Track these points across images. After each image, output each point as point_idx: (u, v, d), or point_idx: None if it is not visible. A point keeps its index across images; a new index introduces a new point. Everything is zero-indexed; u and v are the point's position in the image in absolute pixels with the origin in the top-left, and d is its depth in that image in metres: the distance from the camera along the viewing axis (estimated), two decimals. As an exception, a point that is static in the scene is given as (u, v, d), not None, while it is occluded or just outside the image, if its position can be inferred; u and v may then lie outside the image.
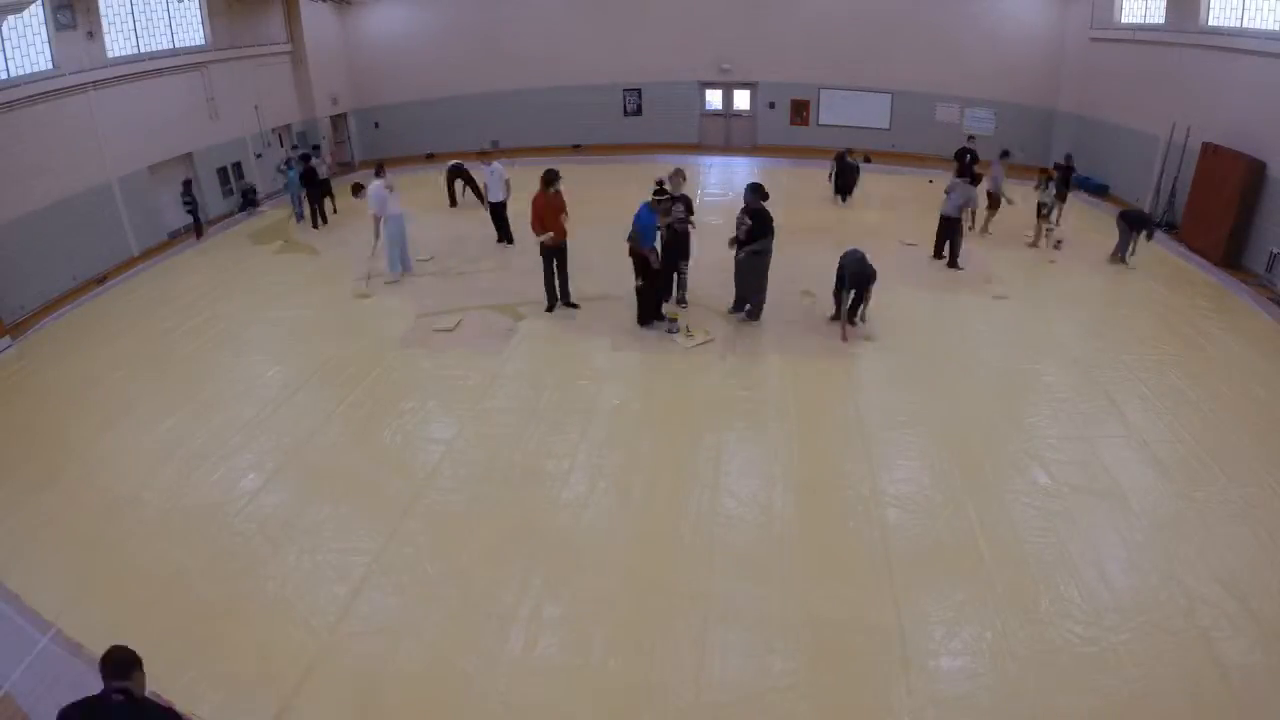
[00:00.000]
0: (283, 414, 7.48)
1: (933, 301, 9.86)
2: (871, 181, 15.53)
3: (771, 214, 8.74)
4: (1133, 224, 11.00)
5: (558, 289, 9.68)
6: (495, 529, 5.73)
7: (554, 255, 9.49)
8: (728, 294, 9.47)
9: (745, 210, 8.74)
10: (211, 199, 14.65)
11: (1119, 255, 11.17)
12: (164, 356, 8.91)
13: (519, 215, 11.33)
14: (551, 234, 9.18)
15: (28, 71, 10.58)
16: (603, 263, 10.69)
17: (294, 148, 16.55)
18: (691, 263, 9.74)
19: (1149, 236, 11.09)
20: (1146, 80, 13.42)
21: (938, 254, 11.34)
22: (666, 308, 9.36)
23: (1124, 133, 14.23)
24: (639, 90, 19.52)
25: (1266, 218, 10.46)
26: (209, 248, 13.25)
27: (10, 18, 9.91)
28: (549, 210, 9.21)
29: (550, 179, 9.26)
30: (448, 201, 15.11)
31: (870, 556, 5.32)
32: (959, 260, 11.09)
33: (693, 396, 7.57)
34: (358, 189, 12.55)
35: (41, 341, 9.66)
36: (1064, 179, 12.43)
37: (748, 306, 9.22)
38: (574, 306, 9.73)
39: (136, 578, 5.36)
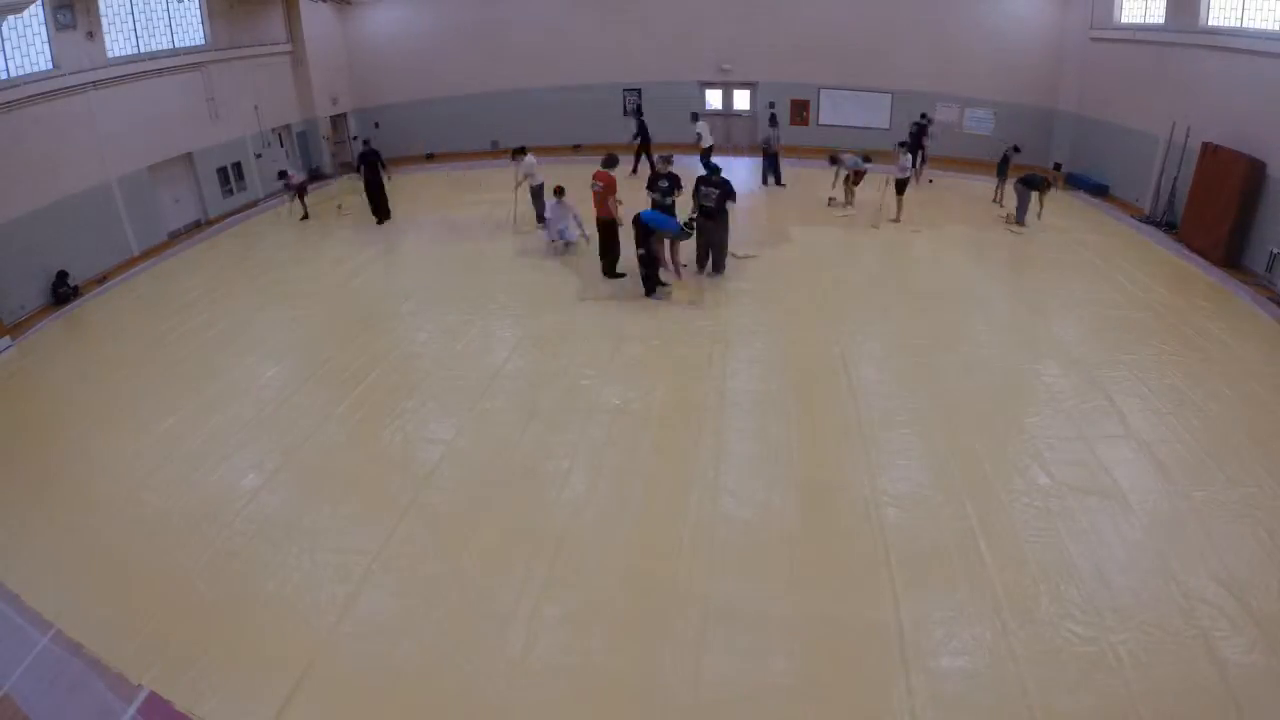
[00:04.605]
0: (283, 414, 7.48)
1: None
2: (871, 181, 15.55)
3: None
4: (1031, 186, 12.41)
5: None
6: (495, 529, 5.73)
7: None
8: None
9: (706, 181, 10.29)
10: (211, 199, 14.66)
11: (1018, 219, 12.67)
12: (164, 356, 8.91)
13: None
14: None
15: (28, 71, 10.59)
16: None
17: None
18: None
19: (1044, 191, 12.40)
20: (1146, 80, 13.41)
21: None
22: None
23: (1124, 133, 14.22)
24: (639, 90, 19.50)
25: (1266, 218, 10.46)
26: (210, 246, 13.26)
27: (10, 18, 9.91)
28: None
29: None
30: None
31: (870, 556, 5.31)
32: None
33: (693, 391, 7.58)
34: None
35: (41, 341, 9.67)
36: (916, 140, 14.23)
37: (710, 262, 10.67)
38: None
39: (136, 578, 5.36)
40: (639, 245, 9.65)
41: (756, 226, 12.82)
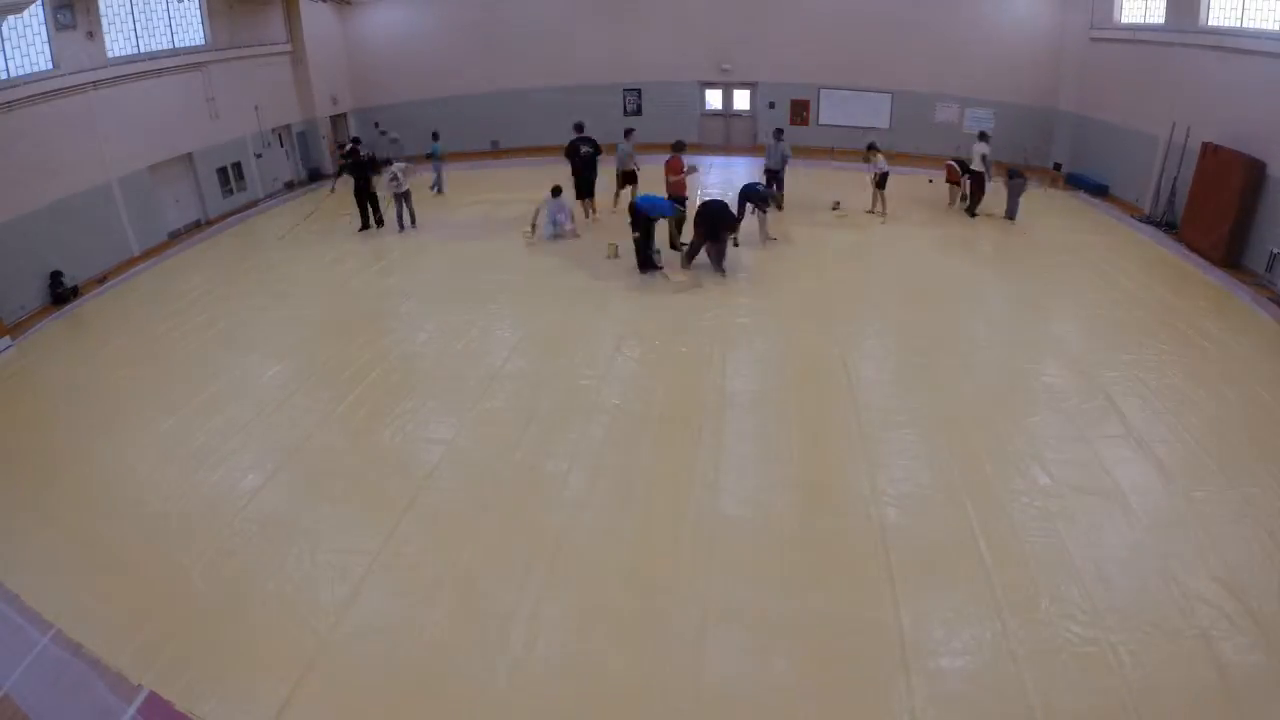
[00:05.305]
0: (283, 414, 7.48)
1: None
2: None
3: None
4: (1021, 177, 13.03)
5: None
6: (495, 529, 5.73)
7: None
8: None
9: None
10: (211, 199, 14.65)
11: (1010, 214, 13.14)
12: (164, 356, 8.91)
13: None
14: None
15: (28, 71, 10.58)
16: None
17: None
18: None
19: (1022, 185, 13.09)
20: (1146, 80, 13.40)
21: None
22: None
23: (1124, 133, 14.21)
24: (639, 90, 19.50)
25: (1266, 218, 10.45)
26: (210, 246, 13.27)
27: (10, 18, 9.91)
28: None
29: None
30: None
31: (870, 556, 5.31)
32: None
33: (693, 391, 7.58)
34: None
35: (41, 341, 9.67)
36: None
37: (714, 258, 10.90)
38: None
39: (136, 578, 5.36)
40: (635, 229, 10.50)
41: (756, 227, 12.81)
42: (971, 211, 13.38)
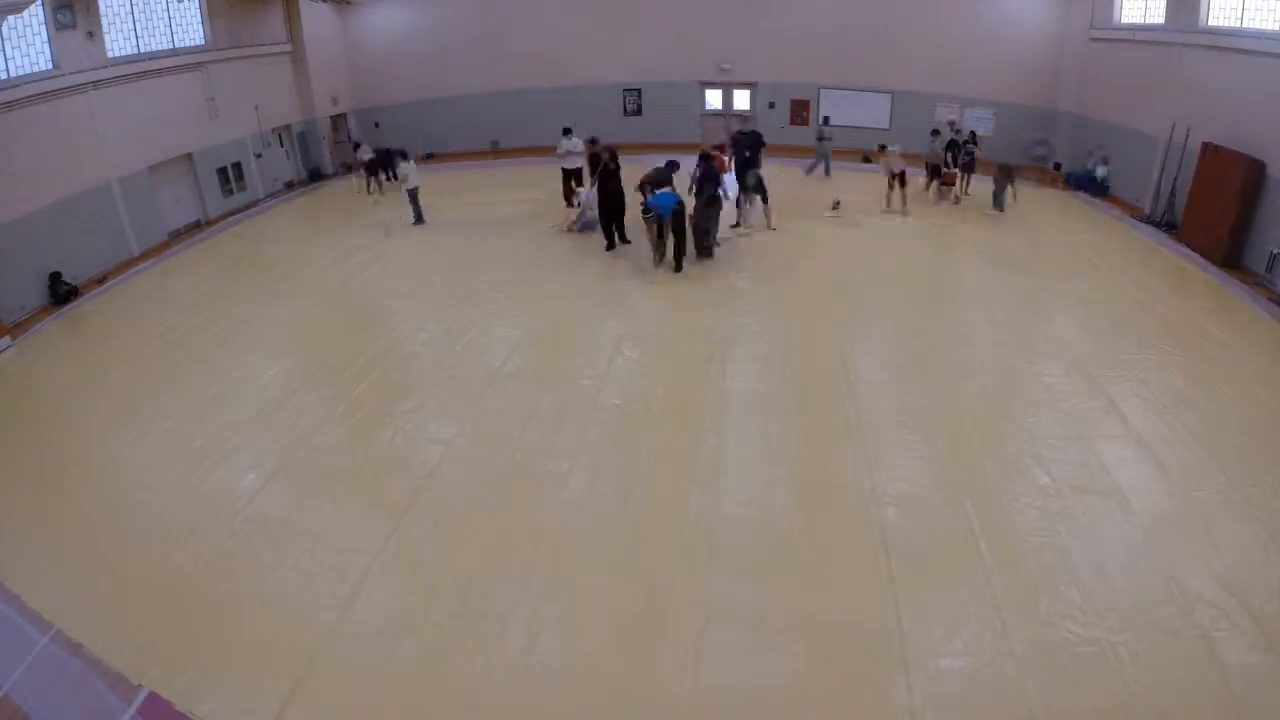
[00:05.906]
0: (283, 414, 7.48)
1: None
2: (871, 181, 15.55)
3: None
4: (1008, 172, 13.29)
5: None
6: (495, 529, 5.73)
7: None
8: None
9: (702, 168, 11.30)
10: (211, 199, 14.65)
11: (996, 205, 13.45)
12: (164, 356, 8.91)
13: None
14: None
15: (28, 71, 10.59)
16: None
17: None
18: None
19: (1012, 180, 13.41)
20: (1146, 80, 13.40)
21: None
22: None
23: (1124, 133, 14.20)
24: (639, 90, 19.50)
25: (1266, 218, 10.45)
26: (210, 246, 13.28)
27: (10, 18, 9.91)
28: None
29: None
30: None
31: (870, 556, 5.31)
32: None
33: (693, 391, 7.58)
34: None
35: (41, 341, 9.67)
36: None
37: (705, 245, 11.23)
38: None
39: (136, 578, 5.36)
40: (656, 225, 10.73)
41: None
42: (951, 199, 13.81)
